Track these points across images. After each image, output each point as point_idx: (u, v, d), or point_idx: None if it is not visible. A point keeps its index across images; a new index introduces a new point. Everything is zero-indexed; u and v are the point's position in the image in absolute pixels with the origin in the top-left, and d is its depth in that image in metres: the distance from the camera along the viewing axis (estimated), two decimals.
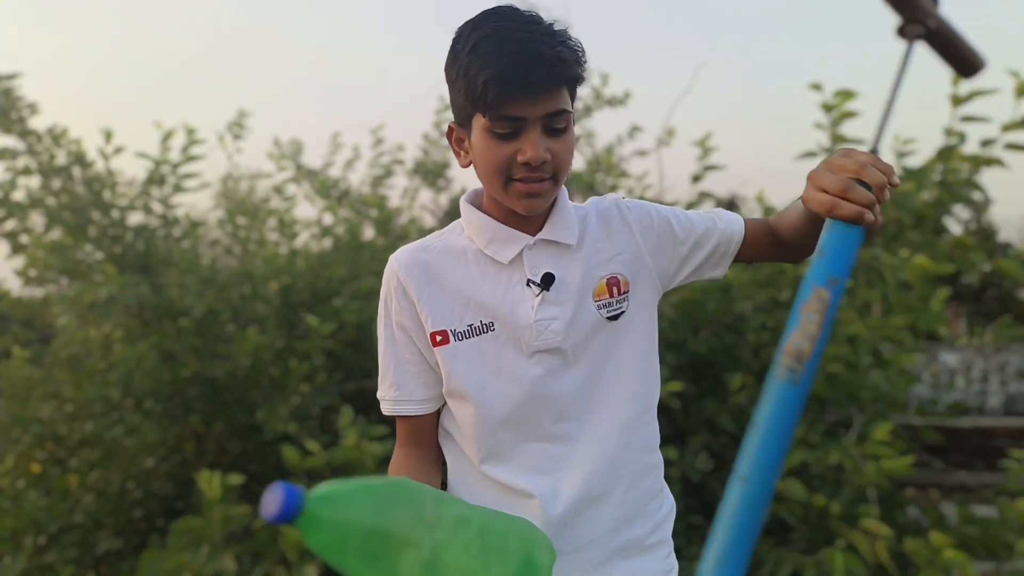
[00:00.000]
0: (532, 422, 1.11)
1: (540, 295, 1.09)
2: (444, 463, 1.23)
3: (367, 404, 3.81)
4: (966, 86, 2.44)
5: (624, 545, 1.12)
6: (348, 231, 4.28)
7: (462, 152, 1.10)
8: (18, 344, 4.38)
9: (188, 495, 3.62)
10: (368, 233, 4.50)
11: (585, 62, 1.04)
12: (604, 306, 1.12)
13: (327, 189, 4.55)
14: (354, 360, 3.85)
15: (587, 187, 4.34)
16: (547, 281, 1.09)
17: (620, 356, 1.13)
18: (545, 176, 1.03)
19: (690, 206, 3.91)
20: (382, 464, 2.94)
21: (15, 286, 4.75)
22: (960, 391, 6.39)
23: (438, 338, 1.11)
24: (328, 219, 4.45)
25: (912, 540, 2.39)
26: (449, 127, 1.12)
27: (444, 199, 5.01)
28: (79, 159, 3.54)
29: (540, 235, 1.11)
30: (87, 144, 3.66)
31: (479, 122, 1.02)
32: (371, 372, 3.85)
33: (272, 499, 0.74)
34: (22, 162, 3.47)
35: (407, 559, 0.79)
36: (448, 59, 1.05)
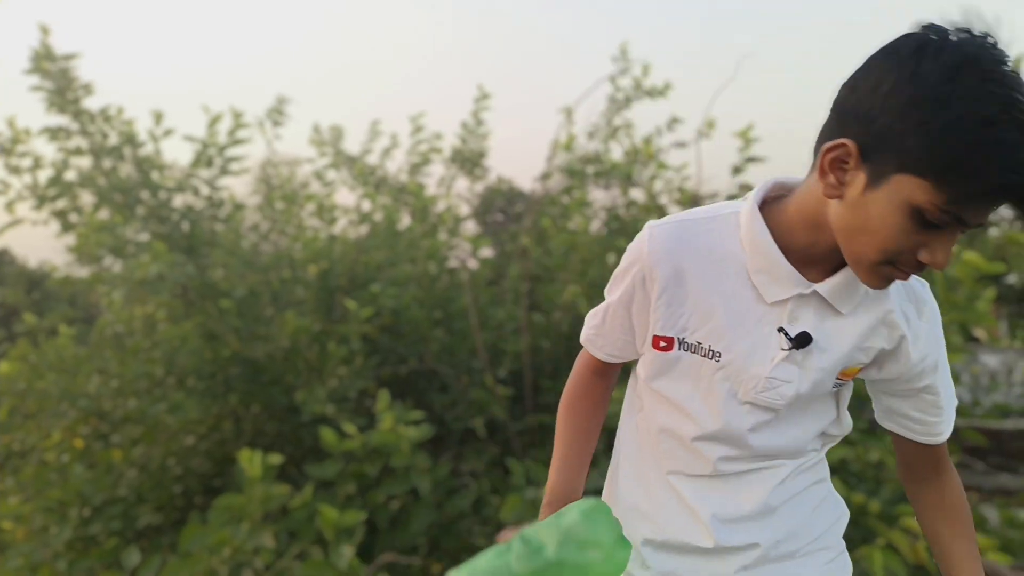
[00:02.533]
0: (711, 454, 1.04)
1: (788, 353, 0.96)
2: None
3: (403, 389, 3.85)
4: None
5: (780, 555, 1.06)
6: (386, 218, 4.32)
7: (835, 180, 0.85)
8: (64, 322, 4.50)
9: (226, 473, 3.70)
10: (405, 220, 4.53)
11: None
12: (843, 385, 1.04)
13: (365, 176, 4.59)
14: (390, 345, 3.89)
15: (625, 177, 4.32)
16: (802, 341, 0.96)
17: (822, 422, 1.06)
18: (919, 272, 0.88)
19: (730, 198, 3.87)
20: (419, 448, 2.98)
21: (61, 265, 4.88)
22: (1001, 393, 6.26)
23: (661, 343, 1.02)
24: (367, 206, 4.49)
25: None
26: (841, 143, 0.83)
27: (480, 187, 5.02)
28: (130, 140, 3.62)
29: (818, 287, 0.94)
30: (138, 125, 3.74)
31: (909, 190, 0.79)
32: (406, 358, 3.89)
33: None
34: (75, 142, 3.55)
35: None
36: (915, 95, 0.77)
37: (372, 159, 4.78)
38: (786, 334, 0.96)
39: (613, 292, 1.08)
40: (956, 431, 3.35)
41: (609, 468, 1.20)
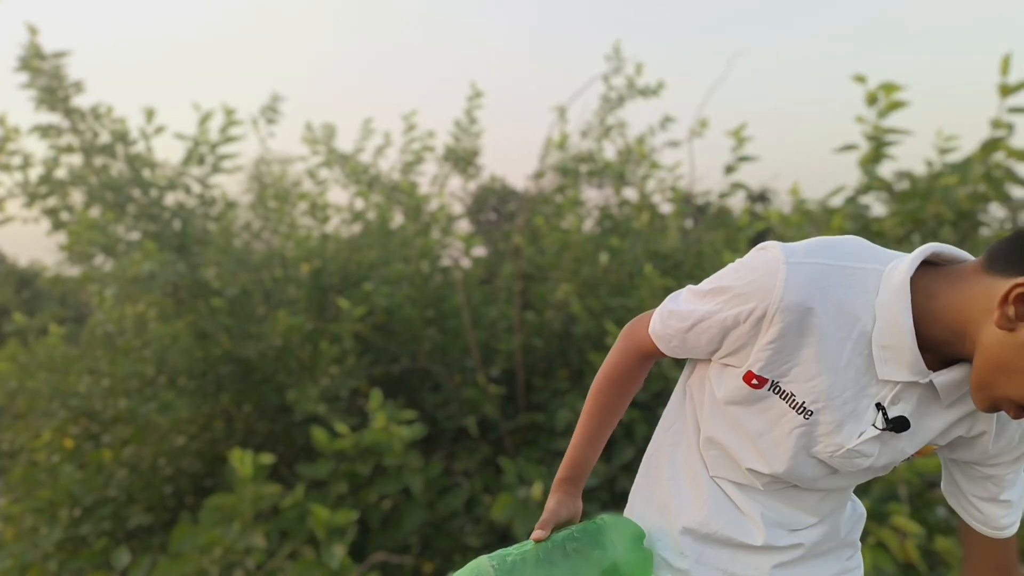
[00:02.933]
0: (761, 480, 1.04)
1: (880, 432, 0.93)
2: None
3: (395, 387, 3.84)
4: (1016, 75, 2.40)
5: (815, 553, 1.08)
6: (379, 216, 4.31)
7: (1015, 315, 0.82)
8: (55, 321, 4.47)
9: (217, 473, 3.68)
10: (398, 219, 4.53)
11: None
12: (912, 459, 1.02)
13: (358, 174, 4.58)
14: (383, 344, 3.88)
15: (618, 176, 4.33)
16: (899, 426, 0.93)
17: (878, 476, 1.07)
18: None
19: (722, 196, 3.88)
20: (411, 447, 2.97)
21: (51, 263, 4.85)
22: None
23: (754, 381, 0.96)
24: (359, 204, 4.48)
25: (944, 539, 2.36)
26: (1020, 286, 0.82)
27: (473, 186, 5.02)
28: (122, 138, 3.60)
29: (933, 377, 0.91)
30: (129, 123, 3.72)
31: None
32: (399, 357, 3.88)
33: None
34: (65, 140, 3.53)
35: None
36: None
37: (365, 157, 4.78)
38: (885, 415, 0.92)
39: (712, 303, 0.97)
40: None
41: (649, 448, 1.17)
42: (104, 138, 3.59)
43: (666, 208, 4.23)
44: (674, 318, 1.03)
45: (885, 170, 2.93)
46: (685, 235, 4.28)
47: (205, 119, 3.66)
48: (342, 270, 4.01)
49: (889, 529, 2.46)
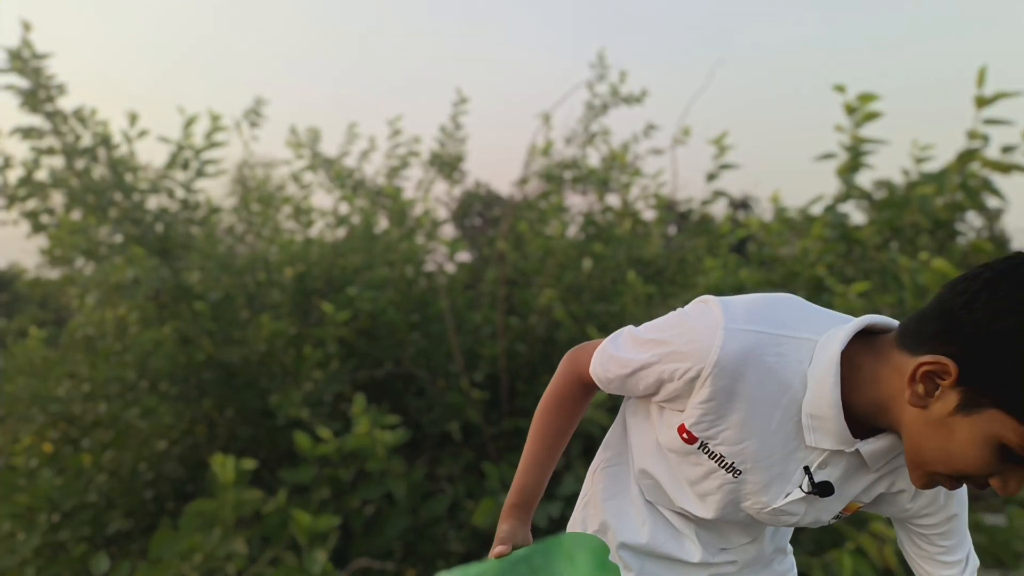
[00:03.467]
0: (687, 521, 1.11)
1: (806, 495, 0.96)
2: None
3: (378, 392, 3.84)
4: (991, 87, 2.45)
5: (750, 564, 1.16)
6: (363, 221, 4.31)
7: (924, 391, 0.83)
8: (34, 324, 4.43)
9: (198, 478, 3.66)
10: (382, 223, 4.53)
11: None
12: (839, 517, 1.04)
13: (343, 178, 4.57)
14: (366, 349, 3.88)
15: (601, 183, 4.35)
16: (823, 491, 0.96)
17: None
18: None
19: (704, 203, 3.91)
20: (395, 452, 2.97)
21: (30, 266, 4.80)
22: None
23: (684, 436, 0.98)
24: (344, 208, 4.47)
25: None
26: (943, 363, 0.81)
27: (458, 191, 5.02)
28: (104, 141, 3.57)
29: (859, 446, 0.93)
30: (112, 126, 3.69)
31: (1007, 430, 0.78)
32: (383, 361, 3.88)
33: None
34: (47, 142, 3.50)
35: None
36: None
37: (349, 162, 4.77)
38: (811, 479, 0.95)
39: (650, 354, 0.99)
40: None
41: (591, 467, 1.21)
42: (87, 141, 3.56)
43: (649, 215, 4.26)
44: (614, 363, 1.04)
45: (864, 179, 2.98)
46: (668, 242, 4.32)
47: (190, 123, 3.65)
48: (326, 274, 4.01)
49: (868, 535, 2.49)
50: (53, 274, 4.54)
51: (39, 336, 4.03)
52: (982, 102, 2.52)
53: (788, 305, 0.97)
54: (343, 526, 2.98)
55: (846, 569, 2.37)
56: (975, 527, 2.70)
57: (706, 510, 1.03)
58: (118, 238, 3.64)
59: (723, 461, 0.97)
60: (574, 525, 1.19)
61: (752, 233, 3.39)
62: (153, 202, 3.79)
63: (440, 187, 5.03)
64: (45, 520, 3.19)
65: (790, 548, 1.23)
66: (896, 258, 2.66)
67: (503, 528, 1.06)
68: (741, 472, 0.96)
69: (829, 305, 2.94)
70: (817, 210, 3.01)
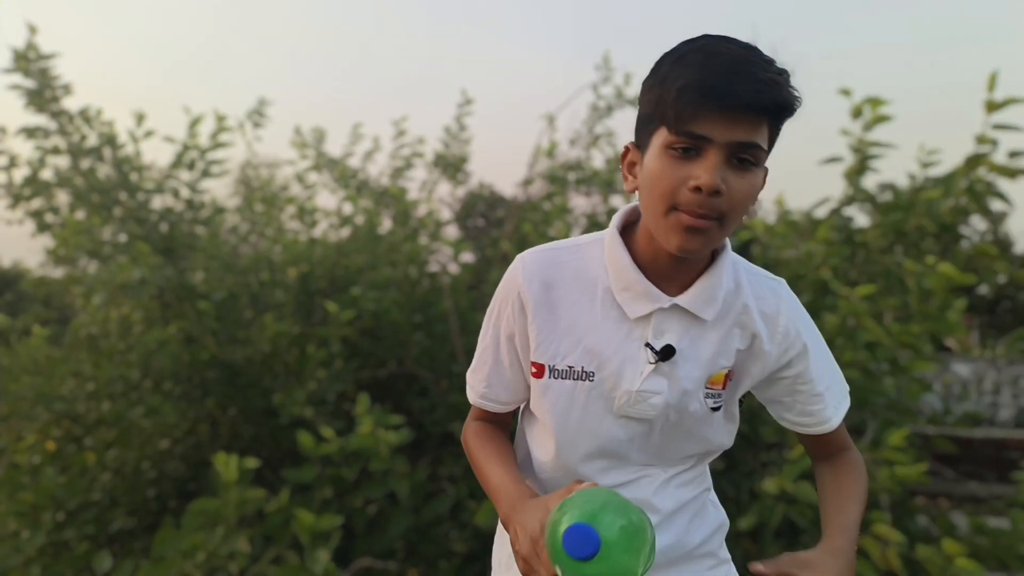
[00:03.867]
0: (594, 468, 1.09)
1: (655, 365, 1.01)
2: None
3: (382, 392, 3.84)
4: (1002, 92, 2.45)
5: (672, 560, 1.11)
6: (367, 221, 4.31)
7: (631, 176, 0.99)
8: (38, 323, 4.44)
9: (201, 477, 3.66)
10: (386, 224, 4.53)
11: (798, 107, 0.91)
12: (712, 397, 1.05)
13: (347, 178, 4.58)
14: (370, 349, 3.88)
15: (605, 184, 4.35)
16: (666, 353, 1.00)
17: (702, 435, 1.09)
18: (711, 215, 0.89)
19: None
20: (398, 452, 2.97)
21: (34, 265, 4.81)
22: (972, 402, 6.36)
23: (533, 370, 1.06)
24: (348, 208, 4.48)
25: (925, 547, 2.39)
26: (625, 148, 1.01)
27: (462, 192, 5.02)
28: (110, 141, 3.58)
29: (678, 299, 1.00)
30: (118, 126, 3.70)
31: (660, 137, 0.91)
32: (386, 361, 3.88)
33: (585, 540, 0.82)
34: (52, 141, 3.51)
35: None
36: (647, 75, 0.95)
37: (353, 162, 4.78)
38: (652, 348, 1.01)
39: (492, 330, 1.10)
40: (927, 439, 3.39)
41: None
42: (92, 140, 3.57)
43: None
44: (475, 374, 1.15)
45: (868, 182, 2.97)
46: None
47: (195, 123, 3.66)
48: (329, 274, 4.01)
49: (871, 537, 2.48)
50: (57, 273, 4.55)
51: (43, 335, 4.04)
52: (992, 107, 2.51)
53: (576, 236, 1.11)
54: (345, 526, 2.98)
55: None
56: (979, 531, 2.70)
57: (591, 436, 1.06)
58: (122, 238, 3.64)
59: (573, 371, 1.03)
60: (496, 547, 1.23)
61: (756, 236, 3.39)
62: (158, 202, 3.80)
63: (444, 188, 5.04)
64: (50, 519, 3.20)
65: (724, 555, 1.18)
66: (901, 261, 2.66)
67: (517, 532, 0.95)
68: (593, 372, 1.02)
69: (834, 308, 2.95)
70: (822, 213, 3.01)
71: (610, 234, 1.04)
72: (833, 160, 2.89)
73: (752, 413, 3.15)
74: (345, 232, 4.48)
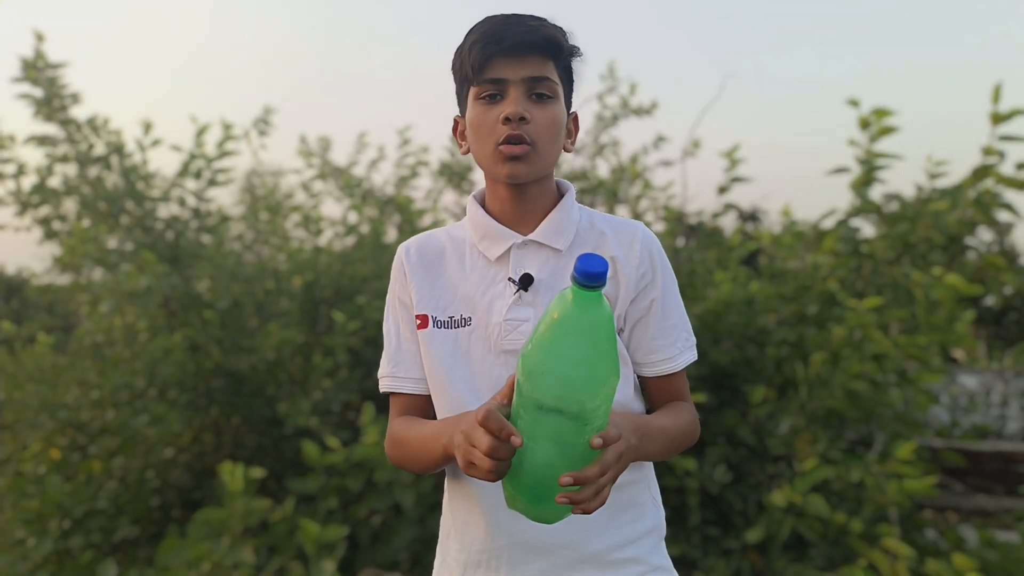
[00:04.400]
0: None
1: (517, 294, 1.11)
2: None
3: (387, 402, 3.83)
4: (1007, 103, 2.44)
5: (581, 557, 1.08)
6: (372, 230, 4.31)
7: (463, 143, 1.17)
8: (43, 330, 4.44)
9: (205, 486, 3.65)
10: (392, 233, 4.53)
11: (571, 45, 1.11)
12: None
13: (352, 187, 4.58)
14: (375, 358, 3.86)
15: (611, 195, 4.35)
16: (525, 282, 1.10)
17: None
18: (526, 139, 1.06)
19: (715, 216, 3.91)
20: None
21: (39, 272, 4.82)
22: (979, 415, 6.33)
23: (418, 321, 1.15)
24: (353, 217, 4.48)
25: (934, 562, 2.37)
26: (454, 120, 1.19)
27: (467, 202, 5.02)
28: (118, 149, 3.59)
29: (530, 236, 1.13)
30: (126, 135, 3.71)
31: (471, 95, 1.10)
32: None
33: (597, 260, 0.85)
34: (61, 150, 3.52)
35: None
36: (453, 58, 1.14)
37: (358, 171, 4.78)
38: (512, 281, 1.11)
39: (389, 312, 1.22)
40: (935, 452, 3.38)
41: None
42: (100, 149, 3.58)
43: (658, 227, 4.25)
44: (382, 362, 1.22)
45: (874, 193, 2.97)
46: (676, 254, 4.30)
47: (202, 132, 3.67)
48: (335, 283, 4.01)
49: (880, 551, 2.47)
50: (62, 280, 4.55)
51: (47, 342, 4.04)
52: (998, 118, 2.51)
53: None
54: (349, 537, 2.97)
55: None
56: (988, 544, 2.68)
57: (479, 377, 1.11)
58: (129, 246, 3.65)
59: (453, 320, 1.13)
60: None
61: (763, 246, 3.38)
62: (164, 211, 3.80)
63: (449, 197, 5.04)
64: (56, 526, 3.19)
65: (659, 562, 1.14)
66: (908, 273, 2.65)
67: (460, 426, 0.98)
68: (470, 317, 1.13)
69: (841, 319, 2.94)
70: (829, 224, 3.00)
71: (468, 202, 1.20)
72: (840, 171, 2.89)
73: (759, 425, 3.14)
74: (350, 241, 4.48)
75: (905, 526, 2.78)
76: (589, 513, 0.91)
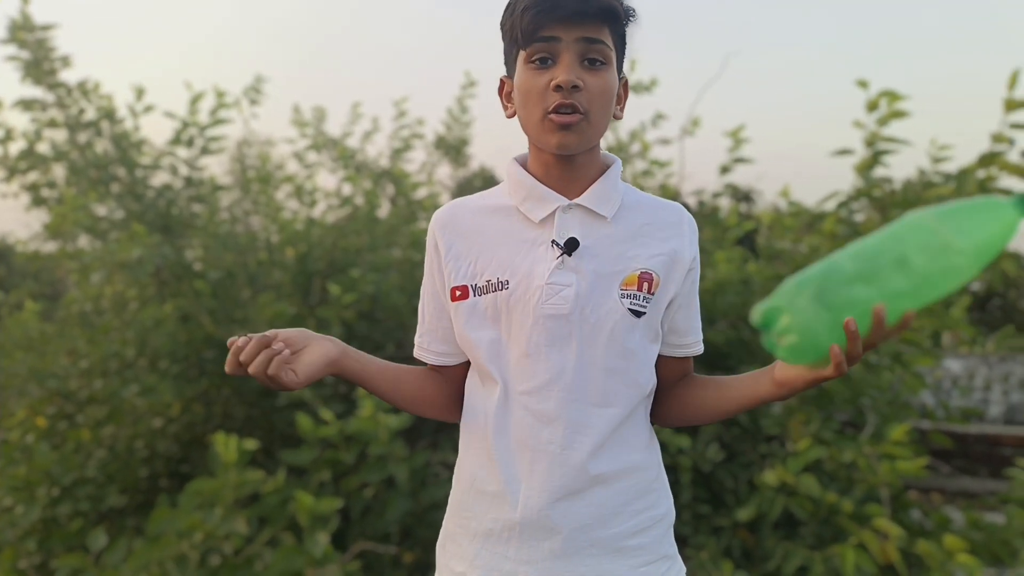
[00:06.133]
0: (527, 391, 1.09)
1: (560, 258, 1.08)
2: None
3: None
4: (1022, 90, 2.42)
5: (592, 541, 1.07)
6: (367, 202, 4.27)
7: (509, 104, 1.14)
8: (30, 297, 4.38)
9: (194, 457, 3.64)
10: (386, 206, 4.49)
11: (627, 8, 1.07)
12: (629, 297, 1.08)
13: (346, 158, 4.53)
14: (368, 331, 3.86)
15: None
16: (571, 246, 1.08)
17: (628, 352, 1.09)
18: (579, 109, 1.03)
19: (716, 196, 3.89)
20: (397, 437, 2.96)
21: (26, 237, 4.75)
22: (964, 397, 6.42)
23: (457, 293, 1.12)
24: (347, 189, 4.43)
25: (925, 542, 2.40)
26: (500, 81, 1.16)
27: (462, 174, 4.98)
28: (109, 115, 3.52)
29: (577, 200, 1.10)
30: (117, 100, 3.64)
31: (521, 59, 1.07)
32: (384, 344, 3.86)
33: None
34: (49, 114, 3.44)
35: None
36: (502, 18, 1.11)
37: (352, 142, 4.72)
38: (556, 244, 1.08)
39: (425, 285, 1.20)
40: (923, 433, 3.40)
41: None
42: (90, 114, 3.51)
43: None
44: (418, 332, 1.23)
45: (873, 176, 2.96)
46: None
47: (196, 100, 3.60)
48: (328, 255, 3.97)
49: (870, 531, 2.50)
50: (49, 247, 4.49)
51: (35, 309, 3.98)
52: (1012, 105, 2.49)
53: None
54: (340, 510, 2.97)
55: (848, 563, 2.38)
56: (975, 526, 2.72)
57: (518, 342, 1.09)
58: (120, 214, 3.59)
59: (491, 285, 1.10)
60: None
61: (764, 226, 3.38)
62: (156, 179, 3.74)
63: (444, 170, 5.00)
64: (44, 494, 3.17)
65: (665, 550, 1.14)
66: None
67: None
68: (508, 280, 1.09)
69: None
70: (830, 206, 3.00)
71: (508, 164, 1.17)
72: (844, 153, 2.87)
73: None
74: (344, 213, 4.44)
75: (895, 506, 2.82)
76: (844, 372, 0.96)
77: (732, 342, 3.28)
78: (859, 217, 3.08)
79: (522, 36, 1.04)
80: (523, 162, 1.17)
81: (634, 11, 1.09)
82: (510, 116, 1.13)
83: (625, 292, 1.08)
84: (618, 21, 1.06)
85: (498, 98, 1.17)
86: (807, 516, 2.69)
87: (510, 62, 1.12)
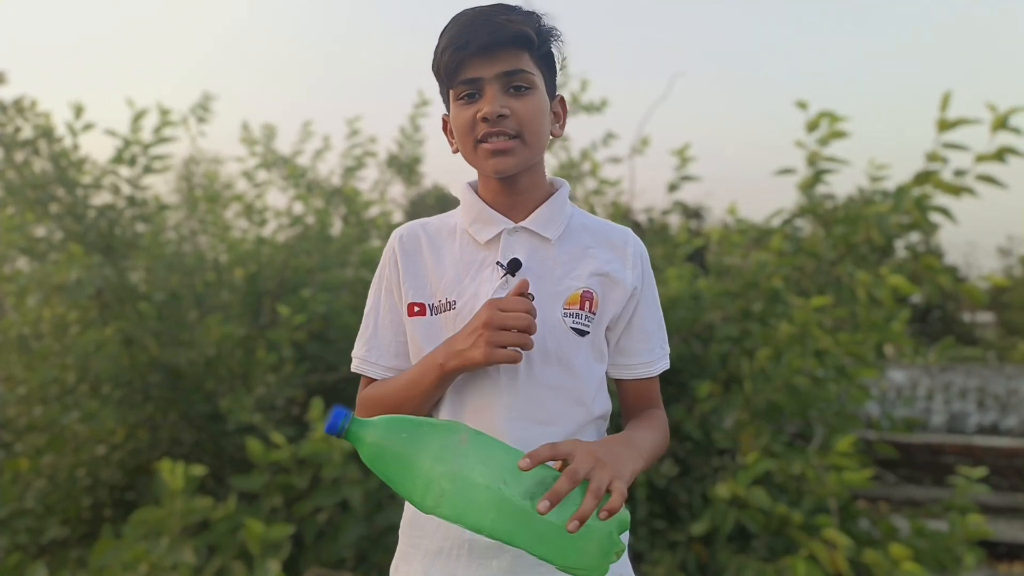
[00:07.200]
0: (475, 408, 1.10)
1: (504, 278, 1.11)
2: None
3: (331, 396, 3.75)
4: (954, 112, 2.53)
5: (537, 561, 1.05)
6: (318, 221, 4.22)
7: (453, 140, 1.17)
8: None
9: (139, 485, 3.52)
10: (337, 225, 4.44)
11: (545, 30, 1.11)
12: (572, 316, 1.11)
13: (297, 177, 4.47)
14: (320, 352, 3.80)
15: None
16: (513, 266, 1.11)
17: (573, 370, 1.11)
18: (508, 133, 1.07)
19: (665, 213, 3.95)
20: (351, 459, 2.91)
21: None
22: (907, 408, 6.60)
23: (415, 309, 1.15)
24: (298, 208, 4.38)
25: (872, 552, 2.46)
26: (443, 119, 1.20)
27: (415, 192, 4.96)
28: (46, 133, 3.42)
29: (522, 223, 1.14)
30: (55, 119, 3.53)
31: (452, 96, 1.11)
32: (336, 365, 3.80)
33: (329, 416, 0.92)
34: None
35: (432, 475, 0.92)
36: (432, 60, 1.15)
37: (303, 160, 4.67)
38: (500, 265, 1.12)
39: (373, 296, 1.22)
40: (869, 444, 3.49)
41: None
42: (27, 133, 3.40)
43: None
44: (357, 343, 1.22)
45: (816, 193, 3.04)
46: None
47: (138, 117, 3.51)
48: (278, 275, 3.91)
49: (820, 542, 2.54)
50: None
51: None
52: (944, 125, 2.59)
53: None
54: (292, 535, 2.90)
55: (799, 575, 2.42)
56: (919, 533, 2.79)
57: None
58: (59, 235, 3.48)
59: (443, 304, 1.13)
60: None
61: (709, 243, 3.44)
62: (97, 199, 3.64)
63: (397, 189, 4.97)
64: None
65: (629, 572, 1.17)
66: (852, 272, 2.73)
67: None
68: (455, 300, 1.12)
69: (787, 316, 3.02)
70: (776, 223, 3.07)
71: (462, 188, 1.21)
72: (787, 172, 2.96)
73: (704, 419, 3.19)
74: (294, 232, 4.38)
75: (841, 516, 2.88)
76: (616, 511, 0.91)
77: (683, 357, 3.32)
78: (807, 231, 3.17)
79: (447, 76, 1.09)
80: (476, 187, 1.21)
81: (555, 30, 1.12)
82: (455, 152, 1.17)
83: (568, 311, 1.11)
84: (535, 45, 1.09)
85: (443, 135, 1.21)
86: (759, 528, 2.73)
87: (445, 101, 1.17)
